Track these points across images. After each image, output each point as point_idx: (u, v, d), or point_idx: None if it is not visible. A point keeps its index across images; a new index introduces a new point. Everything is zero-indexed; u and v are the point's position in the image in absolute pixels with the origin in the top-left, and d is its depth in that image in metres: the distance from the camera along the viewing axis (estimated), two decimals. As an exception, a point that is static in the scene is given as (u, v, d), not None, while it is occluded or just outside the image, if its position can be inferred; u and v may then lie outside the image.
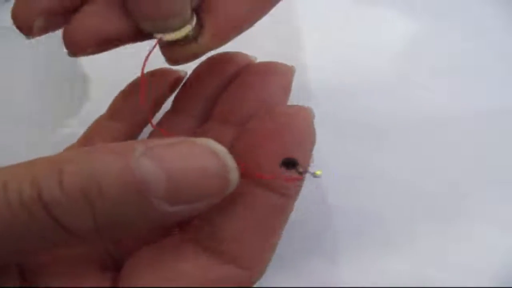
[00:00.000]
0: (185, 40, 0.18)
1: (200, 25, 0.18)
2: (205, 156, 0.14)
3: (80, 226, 0.13)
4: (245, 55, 0.21)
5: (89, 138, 0.22)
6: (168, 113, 0.22)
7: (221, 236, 0.16)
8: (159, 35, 0.18)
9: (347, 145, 0.25)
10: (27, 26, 0.18)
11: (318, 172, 0.17)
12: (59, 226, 0.13)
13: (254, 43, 0.27)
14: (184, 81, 0.22)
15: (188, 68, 0.21)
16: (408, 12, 0.30)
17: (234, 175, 0.14)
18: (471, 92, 0.27)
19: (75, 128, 0.25)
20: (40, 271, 0.16)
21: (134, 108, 0.22)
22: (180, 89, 0.22)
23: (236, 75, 0.21)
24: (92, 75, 0.28)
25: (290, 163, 0.17)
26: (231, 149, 0.16)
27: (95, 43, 0.18)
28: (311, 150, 0.17)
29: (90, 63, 0.28)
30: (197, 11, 0.18)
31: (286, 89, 0.20)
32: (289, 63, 0.23)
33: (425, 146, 0.25)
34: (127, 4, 0.18)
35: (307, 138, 0.17)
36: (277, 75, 0.20)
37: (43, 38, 0.19)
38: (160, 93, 0.22)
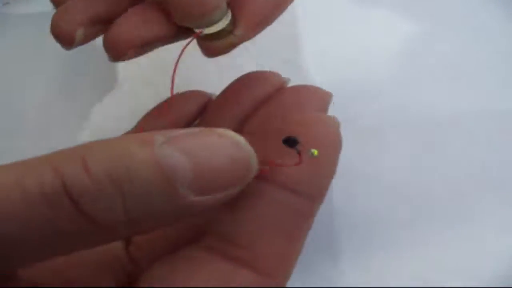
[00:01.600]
0: (222, 33, 0.19)
1: (233, 18, 0.19)
2: (227, 144, 0.14)
3: (110, 217, 0.13)
4: (278, 76, 0.22)
5: None
6: None
7: (237, 241, 0.16)
8: (199, 30, 0.19)
9: (347, 145, 0.25)
10: (69, 38, 0.19)
11: (315, 152, 0.17)
12: (87, 218, 0.12)
13: (254, 44, 0.27)
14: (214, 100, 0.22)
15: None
16: (408, 13, 0.30)
17: (254, 163, 0.14)
18: (471, 92, 0.27)
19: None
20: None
21: (162, 128, 0.22)
22: (208, 109, 0.22)
23: (269, 96, 0.21)
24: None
25: (291, 141, 0.17)
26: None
27: (136, 46, 0.19)
28: (335, 161, 0.17)
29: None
30: (229, 5, 0.19)
31: (321, 112, 0.20)
32: (289, 64, 0.23)
33: (425, 147, 0.25)
34: (171, 6, 0.19)
35: (333, 152, 0.17)
36: (314, 99, 0.20)
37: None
38: (188, 114, 0.22)
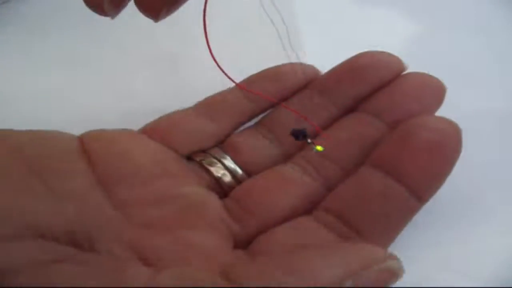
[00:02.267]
0: None
1: None
2: (385, 274, 0.15)
3: None
4: (398, 60, 0.22)
5: (169, 128, 0.22)
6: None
7: (352, 221, 0.17)
8: None
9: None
10: (99, 6, 0.18)
11: (318, 148, 0.19)
12: None
13: (254, 43, 0.27)
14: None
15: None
16: (408, 12, 0.30)
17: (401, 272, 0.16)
18: (471, 92, 0.27)
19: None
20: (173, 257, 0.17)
21: (232, 109, 0.22)
22: (316, 84, 0.22)
23: (386, 81, 0.21)
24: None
25: (299, 134, 0.18)
26: (377, 150, 0.18)
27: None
28: (453, 166, 0.18)
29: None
30: None
31: (438, 104, 0.21)
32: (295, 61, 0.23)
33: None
34: None
35: (453, 157, 0.18)
36: (433, 89, 0.21)
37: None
38: (294, 85, 0.23)
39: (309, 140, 0.19)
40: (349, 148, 0.20)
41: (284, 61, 0.23)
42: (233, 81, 0.20)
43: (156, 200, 0.19)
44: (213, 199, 0.20)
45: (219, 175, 0.21)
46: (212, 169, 0.21)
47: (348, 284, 0.14)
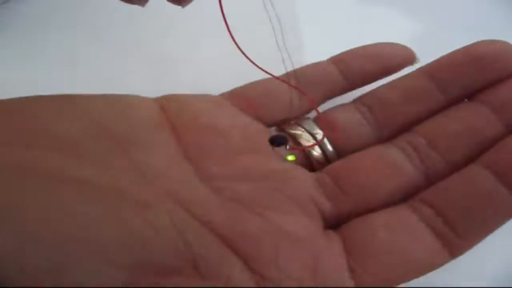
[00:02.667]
0: None
1: None
2: None
3: None
4: None
5: (258, 97, 0.21)
6: None
7: (453, 223, 0.17)
8: None
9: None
10: None
11: (288, 157, 0.19)
12: None
13: (254, 43, 0.27)
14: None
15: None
16: (409, 12, 0.30)
17: None
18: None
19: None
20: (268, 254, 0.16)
21: (323, 83, 0.22)
22: (430, 69, 0.22)
23: (504, 76, 0.20)
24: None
25: (277, 141, 0.18)
26: (493, 152, 0.17)
27: None
28: None
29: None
30: None
31: None
32: (289, 62, 0.23)
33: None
34: None
35: None
36: None
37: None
38: (389, 65, 0.22)
39: (287, 147, 0.18)
40: (459, 140, 0.19)
41: (278, 61, 0.22)
42: (266, 72, 0.20)
43: (245, 176, 0.18)
44: (302, 175, 0.19)
45: None
46: (301, 140, 0.20)
47: None
